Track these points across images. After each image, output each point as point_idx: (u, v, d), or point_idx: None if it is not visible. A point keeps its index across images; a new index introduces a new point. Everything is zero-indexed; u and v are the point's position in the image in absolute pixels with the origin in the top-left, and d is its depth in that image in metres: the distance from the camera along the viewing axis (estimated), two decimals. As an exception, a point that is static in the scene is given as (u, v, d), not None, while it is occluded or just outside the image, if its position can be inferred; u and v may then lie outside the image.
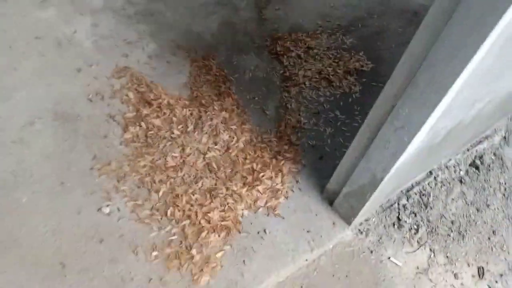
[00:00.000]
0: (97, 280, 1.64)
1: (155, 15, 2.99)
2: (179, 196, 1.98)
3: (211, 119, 2.38)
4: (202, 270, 1.76)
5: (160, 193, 1.99)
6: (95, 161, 2.06)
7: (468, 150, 2.64)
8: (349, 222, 2.08)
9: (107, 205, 1.89)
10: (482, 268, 2.09)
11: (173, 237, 1.84)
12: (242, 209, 2.03)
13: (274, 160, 2.25)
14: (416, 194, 2.34)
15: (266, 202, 2.08)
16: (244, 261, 1.83)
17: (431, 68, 1.37)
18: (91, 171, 2.01)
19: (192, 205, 1.96)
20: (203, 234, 1.88)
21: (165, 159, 2.13)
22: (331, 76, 2.80)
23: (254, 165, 2.21)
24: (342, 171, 1.98)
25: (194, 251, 1.81)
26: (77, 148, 2.09)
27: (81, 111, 2.27)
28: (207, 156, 2.20)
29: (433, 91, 1.40)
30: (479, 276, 2.06)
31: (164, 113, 2.34)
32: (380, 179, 1.76)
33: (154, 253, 1.78)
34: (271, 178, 2.17)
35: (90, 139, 2.15)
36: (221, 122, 2.38)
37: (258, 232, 1.96)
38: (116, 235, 1.80)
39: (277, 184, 2.15)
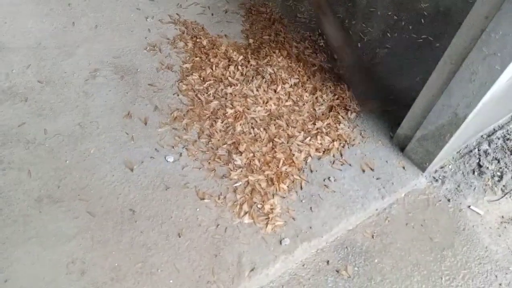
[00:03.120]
0: (166, 225, 1.66)
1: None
2: (241, 144, 1.92)
3: (270, 66, 2.26)
4: (269, 217, 1.71)
5: (222, 142, 1.94)
6: (157, 112, 2.05)
7: (561, 89, 2.32)
8: (423, 169, 1.92)
9: (171, 154, 1.89)
10: None
11: (237, 184, 1.80)
12: (306, 156, 1.94)
13: (338, 107, 2.12)
14: (499, 138, 2.11)
15: (331, 149, 1.97)
16: (311, 208, 1.76)
17: (535, -22, 1.16)
18: (154, 122, 2.01)
19: (254, 153, 1.90)
20: (267, 180, 1.82)
21: (225, 108, 2.07)
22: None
23: (318, 111, 2.10)
24: (416, 112, 1.81)
25: (259, 198, 1.76)
26: (138, 99, 2.09)
27: (140, 64, 2.26)
28: (268, 104, 2.11)
29: (536, 6, 1.19)
30: None
31: (222, 62, 2.27)
32: (463, 117, 1.58)
33: (220, 200, 1.75)
34: (335, 124, 2.04)
35: (150, 91, 2.13)
36: (281, 70, 2.26)
37: (324, 180, 1.87)
38: (181, 183, 1.80)
39: (343, 130, 2.03)
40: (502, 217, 1.87)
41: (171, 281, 1.51)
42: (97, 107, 2.04)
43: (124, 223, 1.66)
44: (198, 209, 1.72)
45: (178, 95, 2.12)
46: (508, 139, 2.11)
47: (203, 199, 1.75)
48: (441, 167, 2.01)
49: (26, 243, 1.56)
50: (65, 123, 1.96)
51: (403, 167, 1.94)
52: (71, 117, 1.99)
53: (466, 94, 1.51)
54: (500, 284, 1.67)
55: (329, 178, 1.88)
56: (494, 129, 2.15)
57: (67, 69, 2.19)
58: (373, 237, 1.76)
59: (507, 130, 2.14)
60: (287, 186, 1.82)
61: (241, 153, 1.90)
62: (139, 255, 1.58)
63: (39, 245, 1.56)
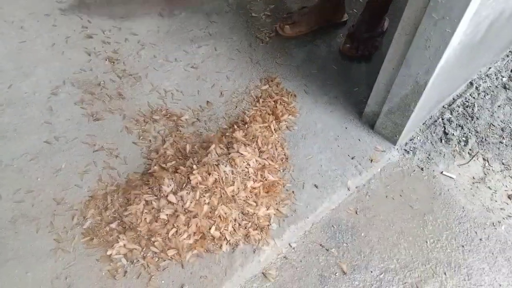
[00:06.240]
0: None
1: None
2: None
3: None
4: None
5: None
6: (126, 120, 2.02)
7: (507, 56, 2.48)
8: (394, 142, 1.99)
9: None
10: (543, 167, 1.98)
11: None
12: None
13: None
14: (459, 106, 2.22)
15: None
16: (293, 191, 1.78)
17: None
18: (124, 130, 1.97)
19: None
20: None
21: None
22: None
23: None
24: (380, 87, 1.88)
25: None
26: (105, 110, 2.06)
27: (101, 76, 2.22)
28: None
29: (475, -34, 1.27)
30: (541, 176, 1.95)
31: (185, 65, 2.28)
32: (424, 84, 1.65)
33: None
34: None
35: (115, 101, 2.10)
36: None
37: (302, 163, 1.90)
38: (160, 186, 1.77)
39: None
40: (473, 178, 1.96)
41: (162, 282, 1.48)
42: (63, 122, 1.99)
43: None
44: (181, 208, 1.70)
45: (145, 101, 2.11)
46: (467, 106, 2.22)
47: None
48: (411, 139, 2.08)
49: (4, 265, 1.49)
50: (31, 142, 1.89)
51: (376, 143, 2.00)
52: (37, 135, 1.92)
53: (424, 61, 1.59)
54: (481, 239, 1.74)
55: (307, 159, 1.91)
56: (453, 99, 2.26)
57: (27, 89, 2.12)
58: (356, 213, 1.80)
59: (466, 98, 2.25)
60: (267, 175, 1.83)
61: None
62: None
63: (19, 266, 1.49)
